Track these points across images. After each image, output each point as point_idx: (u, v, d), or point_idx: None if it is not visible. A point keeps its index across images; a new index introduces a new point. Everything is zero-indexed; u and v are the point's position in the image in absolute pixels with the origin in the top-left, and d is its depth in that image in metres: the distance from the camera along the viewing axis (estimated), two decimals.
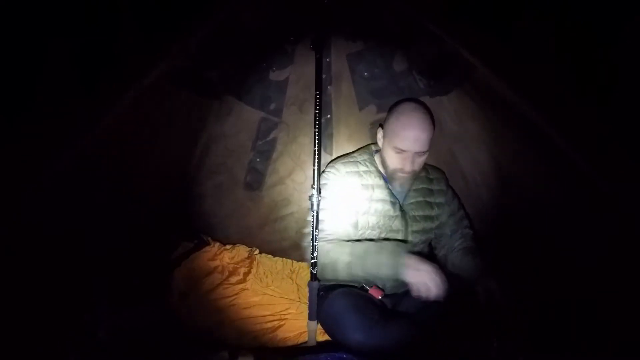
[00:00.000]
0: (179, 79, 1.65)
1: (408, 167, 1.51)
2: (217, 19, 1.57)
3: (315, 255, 1.50)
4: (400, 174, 1.54)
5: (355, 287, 1.55)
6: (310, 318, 1.48)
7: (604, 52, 1.33)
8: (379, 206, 1.57)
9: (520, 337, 1.21)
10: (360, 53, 1.94)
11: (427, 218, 1.66)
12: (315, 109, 1.59)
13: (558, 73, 1.40)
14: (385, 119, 1.57)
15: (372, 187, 1.59)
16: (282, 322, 1.62)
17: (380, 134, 1.60)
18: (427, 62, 1.82)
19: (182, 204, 2.08)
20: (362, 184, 1.58)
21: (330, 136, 2.10)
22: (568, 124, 1.41)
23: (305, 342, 1.51)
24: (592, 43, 1.33)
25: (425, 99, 1.92)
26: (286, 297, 1.80)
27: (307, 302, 1.51)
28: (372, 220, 1.57)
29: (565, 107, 1.42)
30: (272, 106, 2.03)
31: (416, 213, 1.64)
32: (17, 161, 1.23)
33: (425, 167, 1.70)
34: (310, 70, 1.70)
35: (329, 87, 2.01)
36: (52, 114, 1.33)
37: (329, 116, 2.06)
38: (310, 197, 1.53)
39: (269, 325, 1.61)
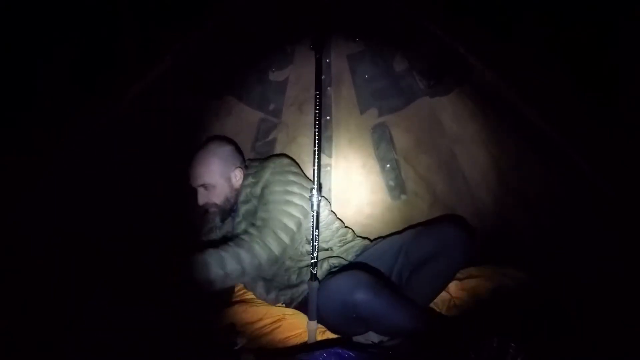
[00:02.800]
0: (178, 78, 1.65)
1: (199, 201, 1.63)
2: (217, 19, 1.58)
3: (315, 255, 1.49)
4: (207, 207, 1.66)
5: None
6: (310, 318, 1.47)
7: (604, 52, 1.33)
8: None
9: (520, 337, 1.20)
10: (360, 54, 1.94)
11: None
12: (315, 109, 1.59)
13: (558, 73, 1.40)
14: None
15: (214, 228, 1.72)
16: (281, 323, 1.61)
17: None
18: (427, 62, 1.82)
19: (182, 204, 2.08)
20: (206, 230, 1.75)
21: (330, 138, 2.10)
22: (568, 124, 1.41)
23: (305, 342, 1.50)
24: (592, 43, 1.33)
25: (426, 99, 1.92)
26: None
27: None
28: None
29: (566, 107, 1.42)
30: (272, 107, 2.03)
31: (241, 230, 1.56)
32: (17, 161, 1.24)
33: (253, 167, 1.68)
34: (310, 70, 1.70)
35: (328, 88, 2.01)
36: (52, 114, 1.33)
37: (328, 118, 2.06)
38: (310, 196, 1.53)
39: (268, 327, 1.60)
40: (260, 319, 1.62)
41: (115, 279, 1.47)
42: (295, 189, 1.57)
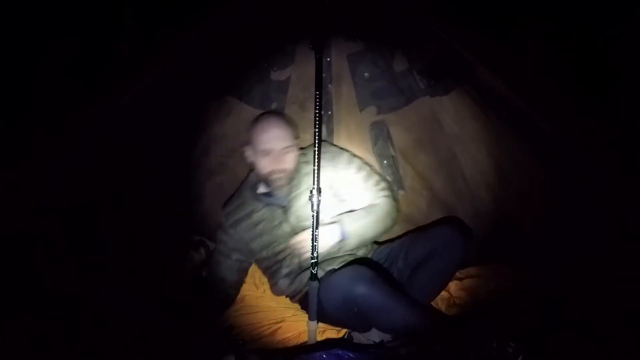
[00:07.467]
0: (178, 78, 1.65)
1: (279, 166, 1.58)
2: (217, 18, 1.58)
3: (315, 255, 1.50)
4: (275, 176, 1.60)
5: None
6: (311, 318, 1.47)
7: (604, 52, 1.33)
8: (261, 226, 1.65)
9: (520, 337, 1.21)
10: (360, 53, 1.94)
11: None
12: (315, 108, 1.59)
13: (558, 73, 1.40)
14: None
15: (249, 214, 1.68)
16: (280, 325, 1.61)
17: (248, 152, 1.66)
18: (427, 62, 1.82)
19: (182, 204, 2.08)
20: (237, 219, 1.70)
21: (331, 132, 2.11)
22: (568, 124, 1.41)
23: (305, 343, 1.51)
24: (592, 43, 1.33)
25: (426, 99, 1.92)
26: (283, 302, 1.78)
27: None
28: (262, 240, 1.65)
29: (566, 107, 1.42)
30: (273, 106, 2.03)
31: (303, 209, 1.61)
32: (17, 161, 1.24)
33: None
34: (311, 70, 1.70)
35: (329, 85, 2.01)
36: (52, 114, 1.33)
37: (330, 112, 2.07)
38: (310, 196, 1.53)
39: (267, 328, 1.60)
40: (260, 321, 1.62)
41: (117, 277, 1.48)
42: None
